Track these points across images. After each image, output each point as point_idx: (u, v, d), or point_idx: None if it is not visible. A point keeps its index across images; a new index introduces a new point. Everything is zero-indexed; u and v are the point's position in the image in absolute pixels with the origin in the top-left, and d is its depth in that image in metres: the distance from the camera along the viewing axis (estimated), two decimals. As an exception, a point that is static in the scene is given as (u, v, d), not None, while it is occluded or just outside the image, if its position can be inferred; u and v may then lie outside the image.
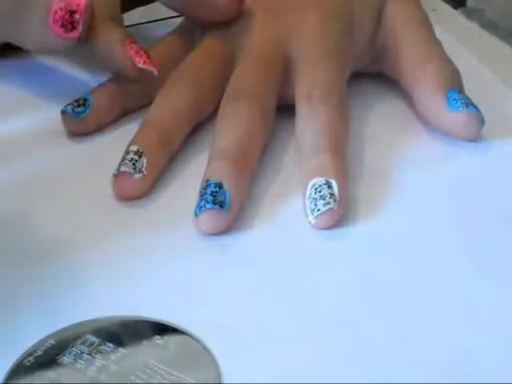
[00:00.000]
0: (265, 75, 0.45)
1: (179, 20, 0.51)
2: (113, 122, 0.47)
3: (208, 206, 0.38)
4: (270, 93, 0.44)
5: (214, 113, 0.44)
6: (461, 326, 0.34)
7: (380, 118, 0.47)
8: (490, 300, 0.35)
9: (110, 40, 0.46)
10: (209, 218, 0.38)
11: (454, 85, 0.44)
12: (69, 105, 0.45)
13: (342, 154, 0.41)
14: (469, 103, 0.43)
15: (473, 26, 0.56)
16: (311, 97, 0.43)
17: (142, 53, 0.45)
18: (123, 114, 0.47)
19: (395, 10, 0.47)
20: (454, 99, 0.43)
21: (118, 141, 0.44)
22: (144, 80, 0.46)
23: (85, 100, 0.45)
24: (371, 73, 0.49)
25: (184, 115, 0.44)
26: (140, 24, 0.56)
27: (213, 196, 0.38)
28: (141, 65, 0.45)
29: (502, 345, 0.33)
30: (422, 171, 0.43)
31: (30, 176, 0.42)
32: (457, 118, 0.43)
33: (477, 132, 0.44)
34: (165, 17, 0.55)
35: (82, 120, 0.45)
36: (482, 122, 0.43)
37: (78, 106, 0.45)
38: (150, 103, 0.45)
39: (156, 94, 0.45)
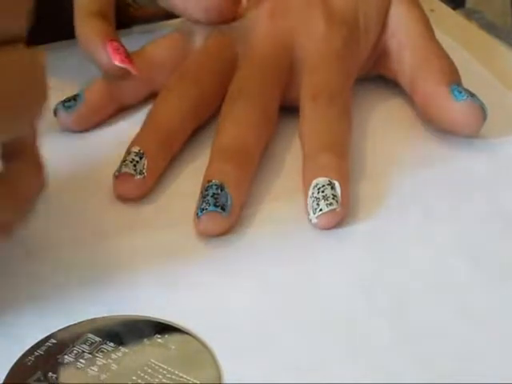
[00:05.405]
0: (268, 76, 0.45)
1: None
2: (111, 119, 0.47)
3: (210, 208, 0.38)
4: (273, 93, 0.44)
5: (217, 112, 0.44)
6: (460, 325, 0.34)
7: (380, 118, 0.47)
8: (489, 299, 0.35)
9: (89, 35, 0.45)
10: (210, 221, 0.38)
11: (455, 81, 0.44)
12: (59, 103, 0.45)
13: (345, 156, 0.41)
14: (472, 94, 0.43)
15: (472, 27, 0.56)
16: (316, 98, 0.43)
17: (122, 51, 0.45)
18: (120, 110, 0.47)
19: (398, 15, 0.47)
20: (459, 91, 0.43)
21: (118, 140, 0.44)
22: (129, 78, 0.46)
23: (76, 96, 0.45)
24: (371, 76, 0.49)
25: (186, 116, 0.44)
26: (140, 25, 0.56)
27: (214, 198, 0.38)
28: (117, 62, 0.45)
29: (501, 344, 0.33)
30: (422, 171, 0.43)
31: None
32: (461, 108, 0.43)
33: (479, 124, 0.43)
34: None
35: (74, 113, 0.45)
36: (484, 113, 0.43)
37: (69, 100, 0.45)
38: (147, 98, 0.45)
39: (154, 89, 0.45)
